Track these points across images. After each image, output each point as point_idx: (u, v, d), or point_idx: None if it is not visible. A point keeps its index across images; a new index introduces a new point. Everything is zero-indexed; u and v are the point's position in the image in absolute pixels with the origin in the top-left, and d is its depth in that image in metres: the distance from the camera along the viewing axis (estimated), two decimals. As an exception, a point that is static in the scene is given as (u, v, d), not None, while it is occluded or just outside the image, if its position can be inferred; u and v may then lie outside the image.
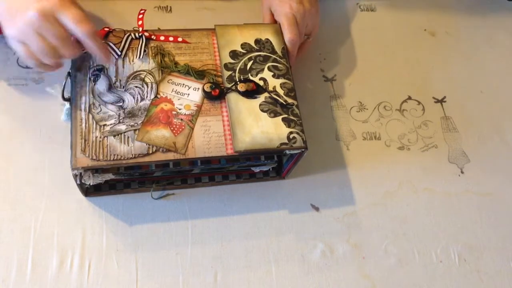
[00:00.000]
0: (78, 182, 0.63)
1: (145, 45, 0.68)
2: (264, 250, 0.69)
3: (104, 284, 0.63)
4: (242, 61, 0.69)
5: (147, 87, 0.65)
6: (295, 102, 0.67)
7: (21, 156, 0.69)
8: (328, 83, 0.85)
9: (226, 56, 0.69)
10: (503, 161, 0.82)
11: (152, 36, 0.68)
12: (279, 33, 0.72)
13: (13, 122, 0.71)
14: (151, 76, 0.66)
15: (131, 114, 0.62)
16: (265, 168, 0.70)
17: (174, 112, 0.64)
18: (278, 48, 0.71)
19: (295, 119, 0.65)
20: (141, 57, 0.67)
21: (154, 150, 0.60)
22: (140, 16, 0.70)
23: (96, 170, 0.63)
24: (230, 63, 0.68)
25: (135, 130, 0.61)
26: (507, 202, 0.79)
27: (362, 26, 0.92)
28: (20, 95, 0.73)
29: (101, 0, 0.83)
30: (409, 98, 0.86)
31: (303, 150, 0.64)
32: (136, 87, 0.65)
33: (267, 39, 0.71)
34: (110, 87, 0.64)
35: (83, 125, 0.61)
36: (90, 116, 0.61)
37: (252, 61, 0.69)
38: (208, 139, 0.63)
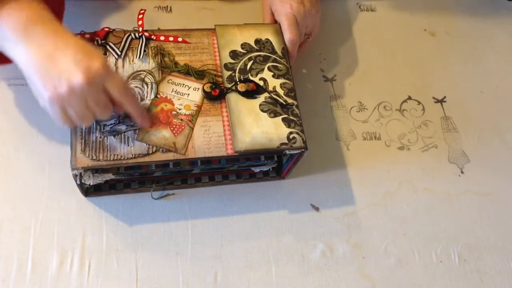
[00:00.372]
0: (78, 182, 0.63)
1: (145, 45, 0.67)
2: (264, 250, 0.69)
3: (104, 284, 0.63)
4: (242, 61, 0.69)
5: (147, 87, 0.65)
6: (295, 102, 0.67)
7: (21, 156, 0.69)
8: (328, 83, 0.85)
9: (226, 56, 0.69)
10: (503, 161, 0.82)
11: (152, 36, 0.68)
12: (279, 33, 0.72)
13: (13, 122, 0.71)
14: (151, 76, 0.66)
15: (131, 114, 0.62)
16: (265, 168, 0.70)
17: (174, 112, 0.64)
18: (278, 48, 0.71)
19: (295, 119, 0.65)
20: (141, 57, 0.67)
21: (154, 150, 0.60)
22: (140, 16, 0.70)
23: (96, 170, 0.63)
24: (230, 63, 0.68)
25: (135, 130, 0.61)
26: (507, 202, 0.79)
27: (362, 26, 0.92)
28: (20, 95, 0.73)
29: (101, 0, 0.83)
30: (409, 98, 0.86)
31: (303, 150, 0.64)
32: (136, 87, 0.65)
33: (267, 39, 0.71)
34: (110, 87, 0.64)
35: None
36: (90, 116, 0.61)
37: (252, 61, 0.69)
38: (208, 139, 0.63)
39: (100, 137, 0.60)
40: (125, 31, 0.68)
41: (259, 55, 0.70)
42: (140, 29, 0.68)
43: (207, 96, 0.65)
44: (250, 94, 0.66)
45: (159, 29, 0.71)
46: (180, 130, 0.63)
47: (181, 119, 0.63)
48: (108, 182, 0.66)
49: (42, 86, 0.54)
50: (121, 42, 0.67)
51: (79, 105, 0.55)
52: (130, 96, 0.59)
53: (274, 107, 0.66)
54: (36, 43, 0.54)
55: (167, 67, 0.67)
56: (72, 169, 0.59)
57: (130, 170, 0.65)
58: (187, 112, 0.64)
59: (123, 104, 0.58)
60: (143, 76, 0.65)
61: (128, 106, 0.59)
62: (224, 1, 0.88)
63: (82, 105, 0.55)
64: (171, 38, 0.69)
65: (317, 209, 0.73)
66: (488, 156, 0.82)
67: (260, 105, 0.65)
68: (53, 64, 0.53)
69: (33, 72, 0.54)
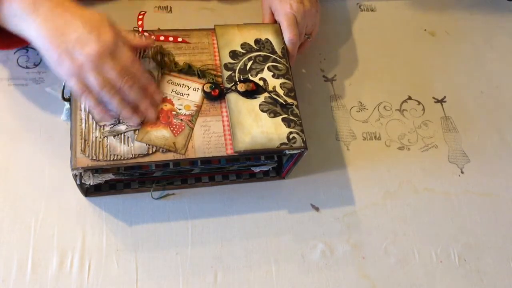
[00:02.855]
0: (78, 182, 0.63)
1: (145, 45, 0.67)
2: (264, 250, 0.69)
3: (104, 284, 0.63)
4: (242, 61, 0.69)
5: (147, 87, 0.65)
6: (295, 102, 0.67)
7: (21, 156, 0.69)
8: (328, 83, 0.85)
9: (226, 56, 0.69)
10: (503, 161, 0.82)
11: (152, 36, 0.68)
12: (279, 33, 0.72)
13: (13, 122, 0.71)
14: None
15: (131, 114, 0.62)
16: (265, 168, 0.70)
17: (174, 112, 0.64)
18: (278, 48, 0.71)
19: (295, 119, 0.65)
20: (141, 57, 0.67)
21: (154, 150, 0.60)
22: (140, 17, 0.70)
23: (96, 170, 0.63)
24: (230, 63, 0.68)
25: (135, 130, 0.61)
26: (507, 202, 0.79)
27: (362, 26, 0.92)
28: (20, 95, 0.73)
29: (101, 1, 0.83)
30: (409, 98, 0.86)
31: (303, 150, 0.64)
32: (136, 87, 0.64)
33: (267, 39, 0.71)
34: (110, 87, 0.64)
35: (83, 125, 0.61)
36: (90, 116, 0.61)
37: (252, 61, 0.69)
38: (208, 139, 0.63)
39: (100, 137, 0.60)
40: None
41: (259, 55, 0.70)
42: (140, 29, 0.69)
43: (207, 96, 0.65)
44: (250, 94, 0.66)
45: (159, 29, 0.71)
46: (180, 130, 0.63)
47: (181, 119, 0.63)
48: (108, 182, 0.66)
49: (57, 58, 0.56)
50: (121, 42, 0.67)
51: (97, 74, 0.57)
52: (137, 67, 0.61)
53: (274, 107, 0.66)
54: (43, 16, 0.56)
55: (167, 67, 0.67)
56: (72, 169, 0.59)
57: (130, 170, 0.65)
58: (187, 112, 0.64)
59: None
60: (143, 76, 0.65)
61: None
62: (224, 1, 0.88)
63: (100, 74, 0.57)
64: (171, 38, 0.69)
65: (317, 209, 0.73)
66: (488, 156, 0.82)
67: (260, 105, 0.65)
68: (64, 37, 0.56)
69: (45, 46, 0.57)
